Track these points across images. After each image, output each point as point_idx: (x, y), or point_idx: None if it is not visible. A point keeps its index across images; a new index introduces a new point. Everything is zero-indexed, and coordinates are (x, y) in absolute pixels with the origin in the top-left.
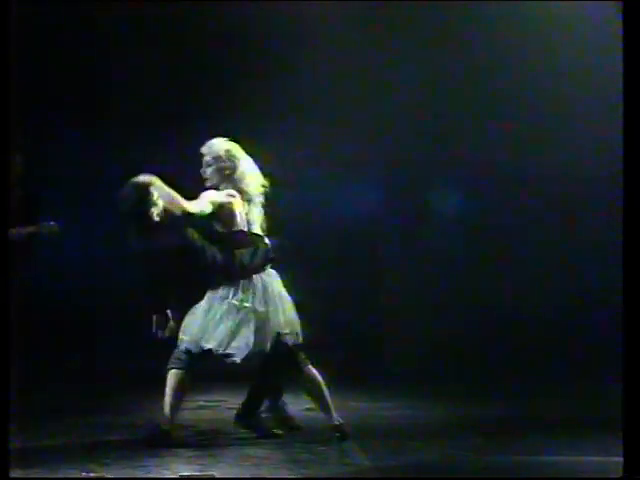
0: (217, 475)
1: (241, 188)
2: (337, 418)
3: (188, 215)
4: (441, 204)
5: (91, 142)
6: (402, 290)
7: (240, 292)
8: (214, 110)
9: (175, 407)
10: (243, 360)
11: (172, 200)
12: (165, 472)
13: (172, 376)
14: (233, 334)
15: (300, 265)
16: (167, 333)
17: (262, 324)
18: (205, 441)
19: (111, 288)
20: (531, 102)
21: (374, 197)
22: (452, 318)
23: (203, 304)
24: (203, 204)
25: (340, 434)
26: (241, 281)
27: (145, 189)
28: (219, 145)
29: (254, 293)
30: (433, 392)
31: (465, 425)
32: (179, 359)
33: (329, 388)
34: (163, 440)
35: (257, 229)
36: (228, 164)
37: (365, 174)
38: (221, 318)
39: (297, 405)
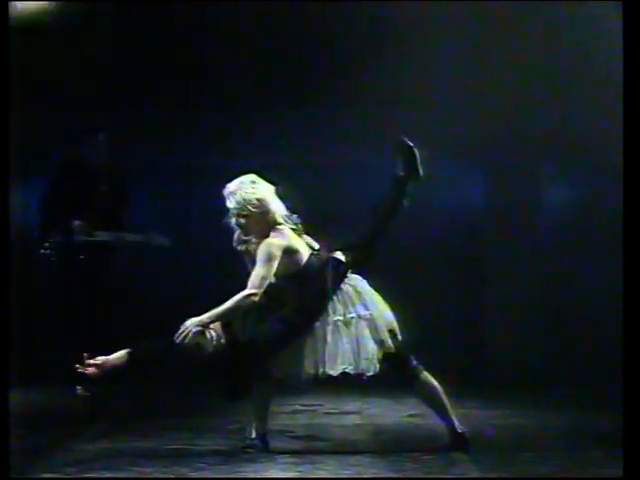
0: None
1: (282, 221)
2: (460, 426)
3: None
4: (548, 199)
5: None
6: (511, 291)
7: (338, 305)
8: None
9: (265, 411)
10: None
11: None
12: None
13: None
14: (357, 350)
15: (398, 267)
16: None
17: (373, 326)
18: (303, 447)
19: (197, 292)
20: None
21: (474, 191)
22: (566, 319)
23: (308, 333)
24: (266, 269)
25: (463, 444)
26: (334, 296)
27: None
28: (248, 195)
29: (351, 300)
30: (547, 399)
31: (584, 435)
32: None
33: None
34: (258, 445)
35: (316, 245)
36: (263, 209)
37: (464, 166)
38: (335, 340)
39: (399, 412)
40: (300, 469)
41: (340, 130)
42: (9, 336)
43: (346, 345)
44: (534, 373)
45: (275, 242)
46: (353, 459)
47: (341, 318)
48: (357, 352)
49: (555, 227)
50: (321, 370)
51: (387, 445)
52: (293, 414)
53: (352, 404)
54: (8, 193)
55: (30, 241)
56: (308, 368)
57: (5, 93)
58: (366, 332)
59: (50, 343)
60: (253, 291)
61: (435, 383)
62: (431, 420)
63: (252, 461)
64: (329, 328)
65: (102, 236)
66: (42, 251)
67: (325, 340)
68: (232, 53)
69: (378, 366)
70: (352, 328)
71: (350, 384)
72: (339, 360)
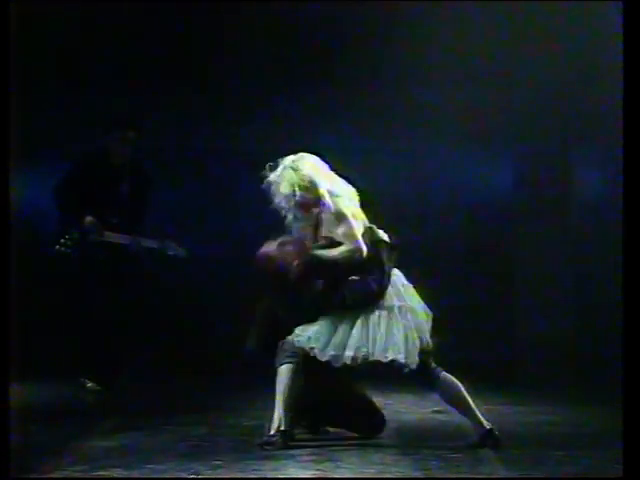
0: None
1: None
2: (488, 423)
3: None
4: (579, 191)
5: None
6: (536, 285)
7: (392, 291)
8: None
9: (290, 406)
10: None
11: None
12: (281, 477)
13: (285, 372)
14: (404, 340)
15: (422, 261)
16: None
17: (417, 319)
18: (324, 444)
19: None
20: None
21: (504, 183)
22: (596, 314)
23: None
24: (353, 223)
25: (493, 440)
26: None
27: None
28: (292, 177)
29: (399, 290)
30: (576, 396)
31: (615, 433)
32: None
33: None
34: (277, 442)
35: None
36: (311, 188)
37: (492, 154)
38: (388, 326)
39: (423, 408)
40: (320, 467)
41: (362, 117)
42: (10, 329)
43: (397, 333)
44: (563, 368)
45: (341, 202)
46: (376, 457)
47: (396, 304)
48: (405, 342)
49: (587, 219)
50: (370, 355)
51: (411, 442)
52: None
53: (375, 399)
54: (9, 186)
55: (35, 234)
56: (351, 351)
57: (5, 94)
58: (412, 324)
59: (61, 338)
60: (358, 245)
61: (456, 381)
62: (457, 417)
63: (270, 458)
64: (383, 313)
65: (117, 238)
66: (57, 247)
67: (378, 324)
68: (255, 40)
69: (418, 360)
70: (402, 316)
71: (372, 378)
72: (390, 348)
